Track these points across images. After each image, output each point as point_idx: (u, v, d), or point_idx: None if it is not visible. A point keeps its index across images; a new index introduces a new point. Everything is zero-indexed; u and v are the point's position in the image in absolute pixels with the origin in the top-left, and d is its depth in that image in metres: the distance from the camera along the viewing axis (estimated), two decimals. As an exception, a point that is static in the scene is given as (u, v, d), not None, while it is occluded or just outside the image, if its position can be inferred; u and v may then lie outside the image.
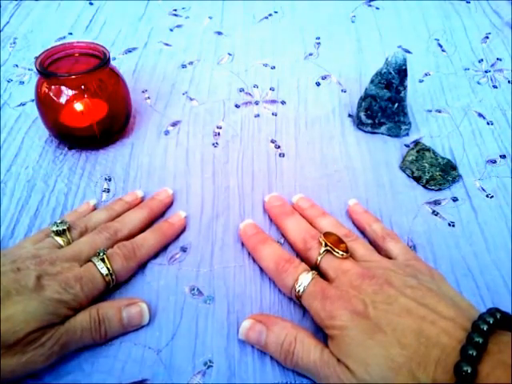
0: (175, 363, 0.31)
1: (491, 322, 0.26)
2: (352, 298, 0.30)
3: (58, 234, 0.35)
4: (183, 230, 0.39)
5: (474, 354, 0.24)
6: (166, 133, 0.47)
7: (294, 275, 0.32)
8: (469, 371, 0.24)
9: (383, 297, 0.29)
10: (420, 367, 0.26)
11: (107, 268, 0.33)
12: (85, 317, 0.30)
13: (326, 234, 0.34)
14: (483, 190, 0.42)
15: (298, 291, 0.32)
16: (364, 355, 0.27)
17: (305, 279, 0.32)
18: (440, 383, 0.25)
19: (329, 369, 0.28)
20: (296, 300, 0.33)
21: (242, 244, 0.38)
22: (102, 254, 0.33)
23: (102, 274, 0.32)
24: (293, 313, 0.34)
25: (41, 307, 0.29)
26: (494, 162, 0.45)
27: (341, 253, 0.33)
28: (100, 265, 0.32)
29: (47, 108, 0.42)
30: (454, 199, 0.42)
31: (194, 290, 0.35)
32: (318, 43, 0.59)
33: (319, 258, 0.33)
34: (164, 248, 0.37)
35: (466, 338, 0.25)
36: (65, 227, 0.35)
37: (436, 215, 0.40)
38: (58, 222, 0.35)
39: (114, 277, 0.33)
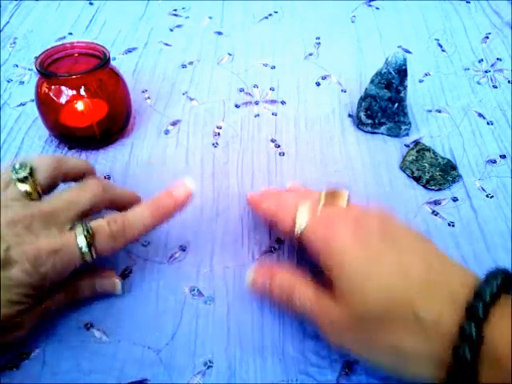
0: (175, 363, 0.31)
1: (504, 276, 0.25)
2: (357, 222, 0.29)
3: (21, 181, 0.29)
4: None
5: (488, 298, 0.23)
6: (166, 132, 0.47)
7: (294, 210, 0.31)
8: (480, 312, 0.23)
9: (391, 230, 0.28)
10: (423, 301, 0.24)
11: (88, 245, 0.28)
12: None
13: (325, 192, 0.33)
14: (483, 190, 0.42)
15: (300, 226, 0.30)
16: (362, 285, 0.26)
17: (304, 210, 0.31)
18: (443, 320, 0.24)
19: (325, 305, 0.28)
20: (297, 240, 0.31)
21: (242, 244, 0.38)
22: (86, 227, 0.28)
23: (81, 250, 0.28)
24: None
25: (4, 297, 0.26)
26: (494, 161, 0.45)
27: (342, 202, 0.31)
28: (81, 239, 0.28)
29: (47, 108, 0.42)
30: (454, 199, 0.42)
31: (194, 290, 0.35)
32: (318, 43, 0.59)
33: (319, 209, 0.31)
34: (163, 247, 0.37)
35: (481, 284, 0.24)
36: (26, 174, 0.29)
37: (436, 215, 0.40)
38: (17, 166, 0.29)
39: (93, 256, 0.29)
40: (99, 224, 0.29)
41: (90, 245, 0.28)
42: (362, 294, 0.26)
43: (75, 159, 0.34)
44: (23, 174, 0.29)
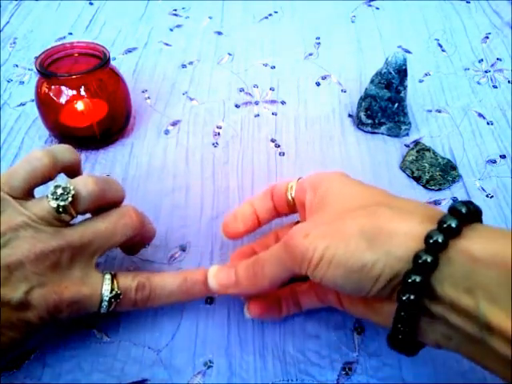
0: (175, 363, 0.31)
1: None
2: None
3: (60, 210, 0.26)
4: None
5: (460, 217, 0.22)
6: (166, 132, 0.47)
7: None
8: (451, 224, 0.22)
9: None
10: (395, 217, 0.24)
11: (109, 305, 0.27)
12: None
13: None
14: (483, 190, 0.42)
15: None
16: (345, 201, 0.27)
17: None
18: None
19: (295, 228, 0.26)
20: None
21: (242, 244, 0.37)
22: (114, 288, 0.28)
23: (100, 305, 0.27)
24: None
25: (9, 335, 0.25)
26: (494, 162, 0.45)
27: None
28: (105, 299, 0.27)
29: (47, 108, 0.42)
30: (454, 199, 0.42)
31: (194, 290, 0.35)
32: (318, 43, 0.59)
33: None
34: (163, 247, 0.37)
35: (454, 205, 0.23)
36: (68, 202, 0.26)
37: (436, 215, 0.40)
38: (59, 191, 0.26)
39: (107, 311, 0.28)
40: (128, 286, 0.28)
41: (109, 305, 0.28)
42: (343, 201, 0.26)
43: (116, 184, 0.30)
44: (64, 203, 0.26)
